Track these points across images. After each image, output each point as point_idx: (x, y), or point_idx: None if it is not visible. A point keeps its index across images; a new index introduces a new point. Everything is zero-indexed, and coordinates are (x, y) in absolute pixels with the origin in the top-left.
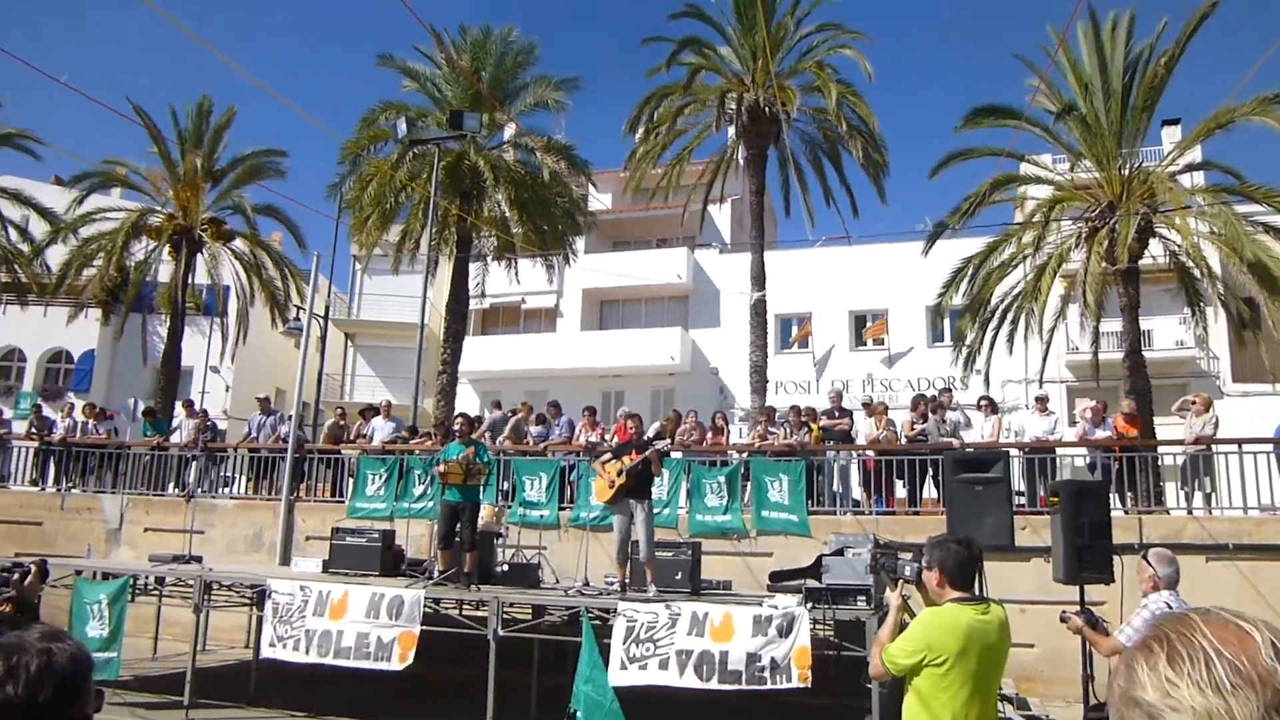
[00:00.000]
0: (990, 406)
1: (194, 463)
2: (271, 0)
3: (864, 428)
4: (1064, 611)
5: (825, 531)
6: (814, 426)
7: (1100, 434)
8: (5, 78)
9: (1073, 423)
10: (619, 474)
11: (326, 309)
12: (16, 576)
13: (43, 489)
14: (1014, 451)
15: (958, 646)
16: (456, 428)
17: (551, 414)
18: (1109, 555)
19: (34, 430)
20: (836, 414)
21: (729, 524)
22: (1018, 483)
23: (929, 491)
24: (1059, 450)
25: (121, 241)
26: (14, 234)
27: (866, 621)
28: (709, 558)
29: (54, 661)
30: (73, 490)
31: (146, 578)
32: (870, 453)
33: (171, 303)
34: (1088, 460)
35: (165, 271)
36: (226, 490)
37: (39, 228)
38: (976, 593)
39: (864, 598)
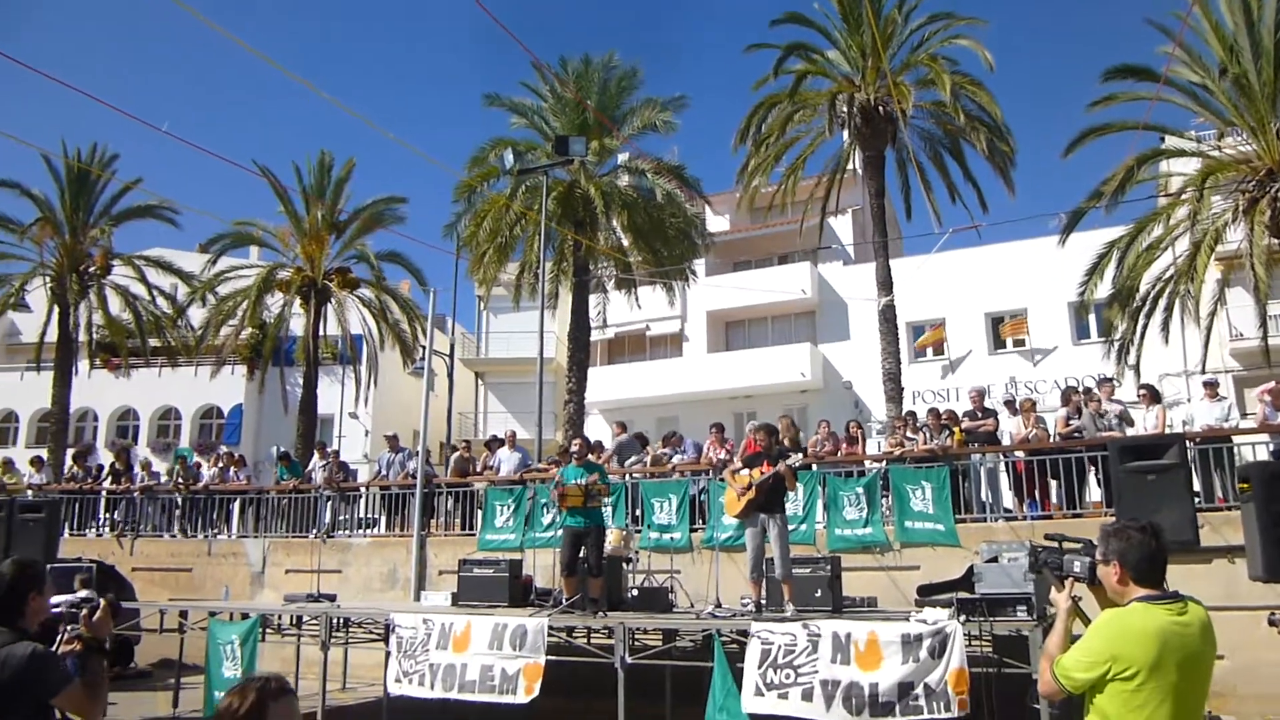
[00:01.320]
0: (1152, 396)
1: (328, 503)
2: (370, 50)
3: (1010, 428)
4: (1273, 614)
5: (975, 541)
6: (956, 430)
7: None
8: (138, 146)
9: (1244, 414)
10: (749, 486)
11: (451, 346)
12: (85, 612)
13: (190, 536)
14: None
15: (1151, 656)
16: (574, 449)
17: (673, 443)
18: None
19: (179, 480)
20: (979, 415)
21: (870, 537)
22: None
23: (1090, 494)
24: (1235, 439)
25: (254, 296)
26: (162, 302)
27: (1029, 634)
28: (850, 574)
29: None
30: (219, 537)
31: (280, 618)
32: (1020, 453)
33: (305, 352)
34: (1271, 448)
35: (300, 325)
36: (361, 530)
37: (185, 294)
38: (1168, 589)
39: (1024, 608)
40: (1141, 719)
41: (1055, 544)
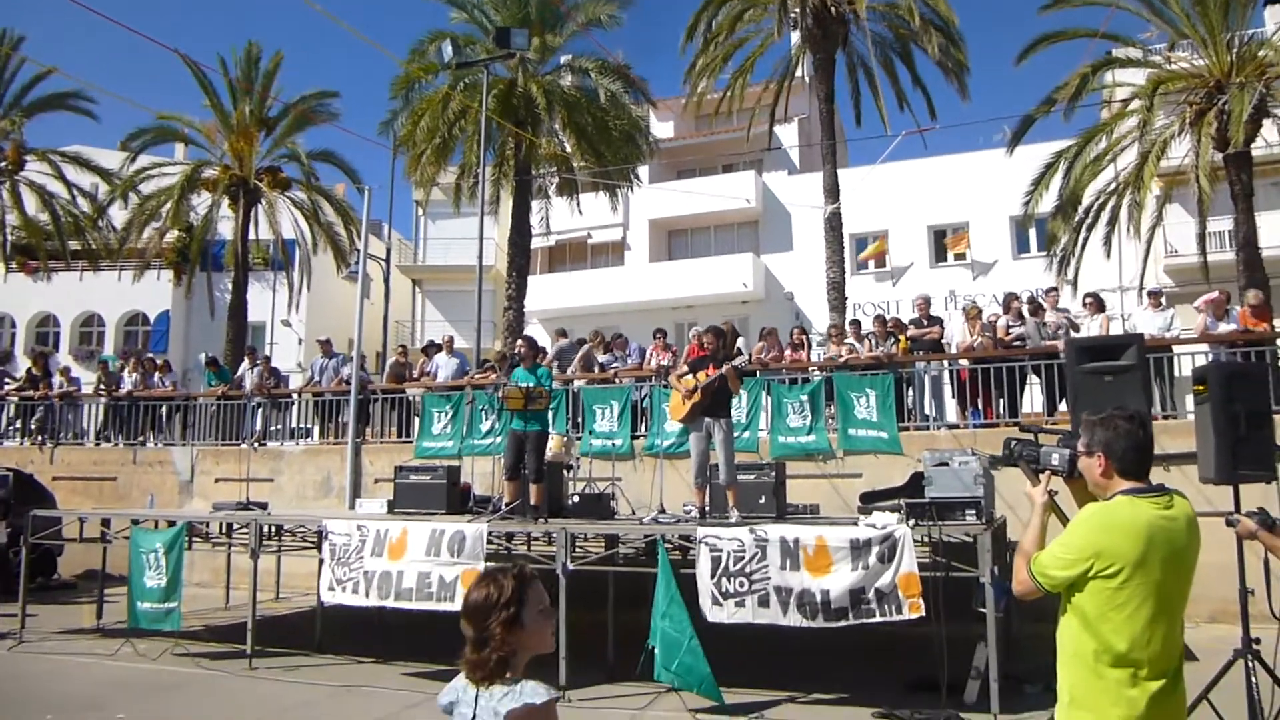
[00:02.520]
0: (1097, 304)
1: (259, 410)
2: None
3: (956, 336)
4: (1230, 515)
5: (918, 449)
6: (901, 338)
7: (1225, 328)
8: (48, 32)
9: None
10: (694, 390)
11: (388, 251)
12: None
13: (114, 444)
14: None
15: (1136, 552)
16: (519, 352)
17: (618, 345)
18: (1271, 449)
19: (102, 387)
20: (925, 322)
21: (814, 444)
22: None
23: (1032, 403)
24: (1176, 349)
25: (179, 195)
26: (83, 202)
27: (978, 538)
28: (794, 481)
29: None
30: (144, 445)
31: (209, 526)
32: (964, 362)
33: (234, 256)
34: (1210, 359)
35: (229, 228)
36: (293, 438)
37: (106, 193)
38: (1152, 483)
39: (974, 511)
40: (1122, 618)
41: (1031, 436)
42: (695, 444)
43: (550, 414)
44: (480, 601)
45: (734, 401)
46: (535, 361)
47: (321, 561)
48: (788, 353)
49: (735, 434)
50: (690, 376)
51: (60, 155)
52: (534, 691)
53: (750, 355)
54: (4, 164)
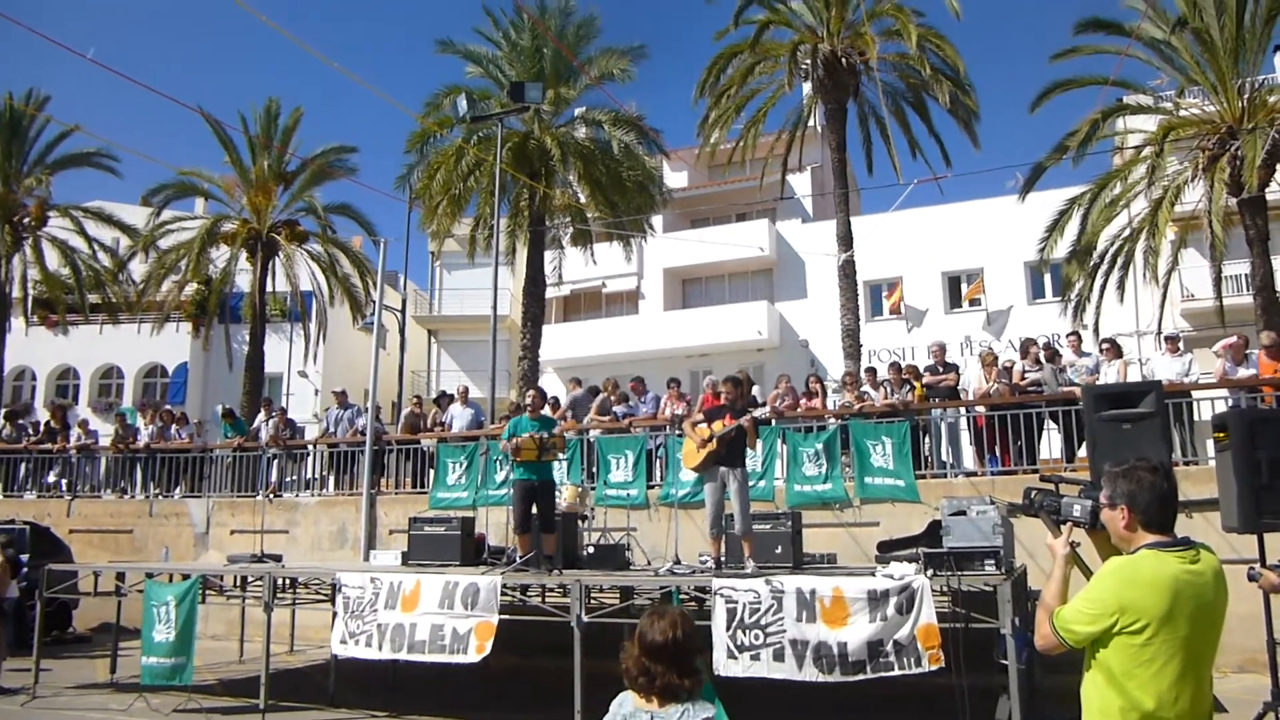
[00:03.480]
0: (1114, 350)
1: (274, 462)
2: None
3: (972, 382)
4: (1252, 569)
5: (935, 497)
6: (917, 385)
7: (1244, 373)
8: (71, 91)
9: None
10: (709, 439)
11: (404, 302)
12: None
13: (131, 496)
14: None
15: (1162, 607)
16: (528, 402)
17: (635, 390)
18: None
19: (119, 439)
20: (941, 369)
21: (830, 493)
22: None
23: (1050, 449)
24: (1195, 394)
25: (198, 249)
26: (103, 256)
27: (997, 588)
28: (810, 531)
29: None
30: (161, 497)
31: (223, 579)
32: (981, 408)
33: (252, 308)
34: (1230, 405)
35: (246, 280)
36: (308, 489)
37: (126, 247)
38: (1177, 536)
39: (993, 560)
40: (1149, 674)
41: (1052, 487)
42: (710, 494)
43: (564, 463)
44: (660, 644)
45: (749, 452)
46: (541, 411)
47: (335, 614)
48: (803, 400)
49: (750, 483)
50: (705, 425)
51: (82, 211)
52: (704, 708)
53: (767, 402)
54: (28, 219)
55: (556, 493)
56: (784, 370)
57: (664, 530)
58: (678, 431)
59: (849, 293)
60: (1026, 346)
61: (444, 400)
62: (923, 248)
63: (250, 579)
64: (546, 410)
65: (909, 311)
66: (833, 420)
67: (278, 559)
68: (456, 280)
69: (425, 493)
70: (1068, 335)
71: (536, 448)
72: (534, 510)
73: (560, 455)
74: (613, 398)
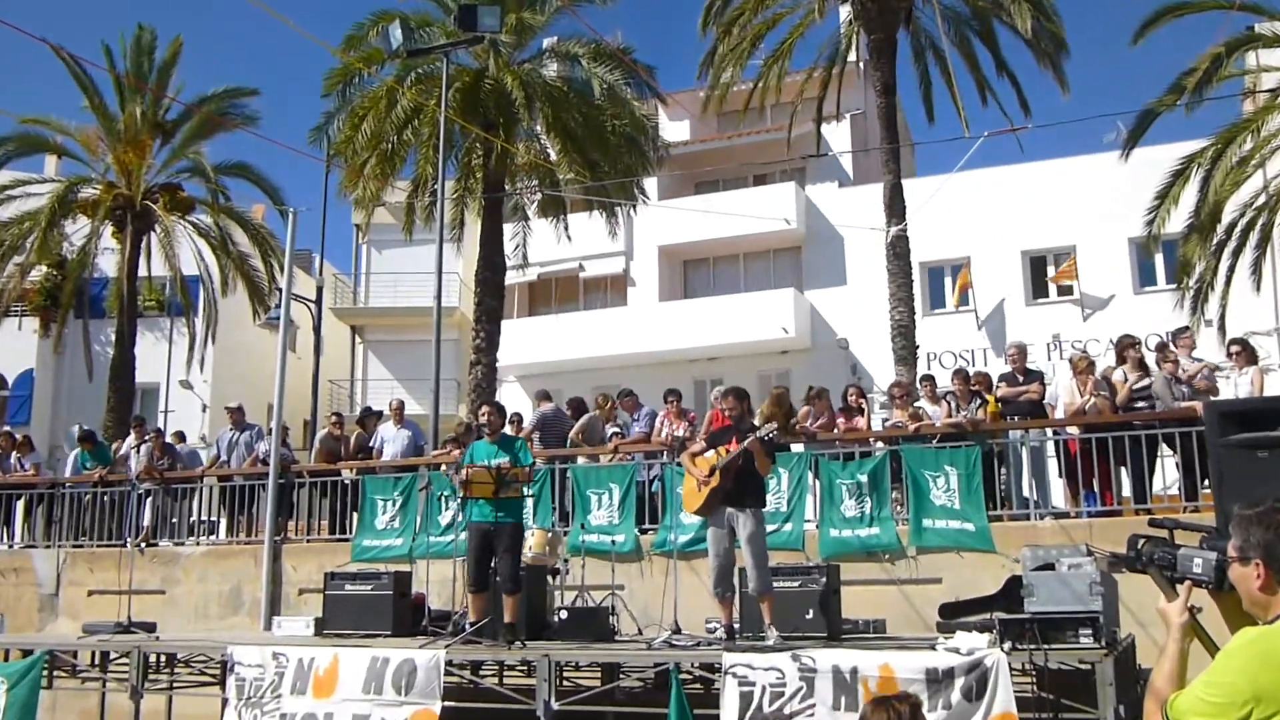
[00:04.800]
0: (1247, 354)
1: (148, 500)
2: None
3: (1064, 396)
4: None
5: (1015, 545)
6: (990, 398)
7: None
8: None
9: None
10: (712, 471)
11: (319, 291)
12: None
13: None
14: None
15: None
16: (484, 420)
17: (627, 406)
18: None
19: None
20: (1021, 378)
21: (876, 539)
22: None
23: (1162, 484)
24: None
25: (48, 221)
26: None
27: (1096, 665)
28: (851, 589)
29: None
30: None
31: (77, 655)
32: (1074, 429)
33: (119, 299)
34: None
35: (113, 263)
36: (193, 536)
37: None
38: None
39: (1090, 630)
40: None
41: (1165, 534)
42: (714, 542)
43: (530, 500)
44: None
45: (769, 484)
46: (503, 432)
47: (225, 701)
48: (840, 419)
49: (772, 527)
50: (709, 454)
51: None
52: None
53: (786, 422)
54: None
55: (523, 540)
56: (816, 379)
57: (660, 588)
58: (677, 460)
59: (901, 278)
60: (1126, 347)
61: (372, 419)
62: (997, 220)
63: (114, 655)
64: (509, 430)
65: (979, 302)
66: (880, 445)
67: (151, 628)
68: (389, 262)
69: (347, 540)
70: (1177, 334)
71: (493, 480)
72: (492, 563)
73: (526, 490)
74: (607, 421)
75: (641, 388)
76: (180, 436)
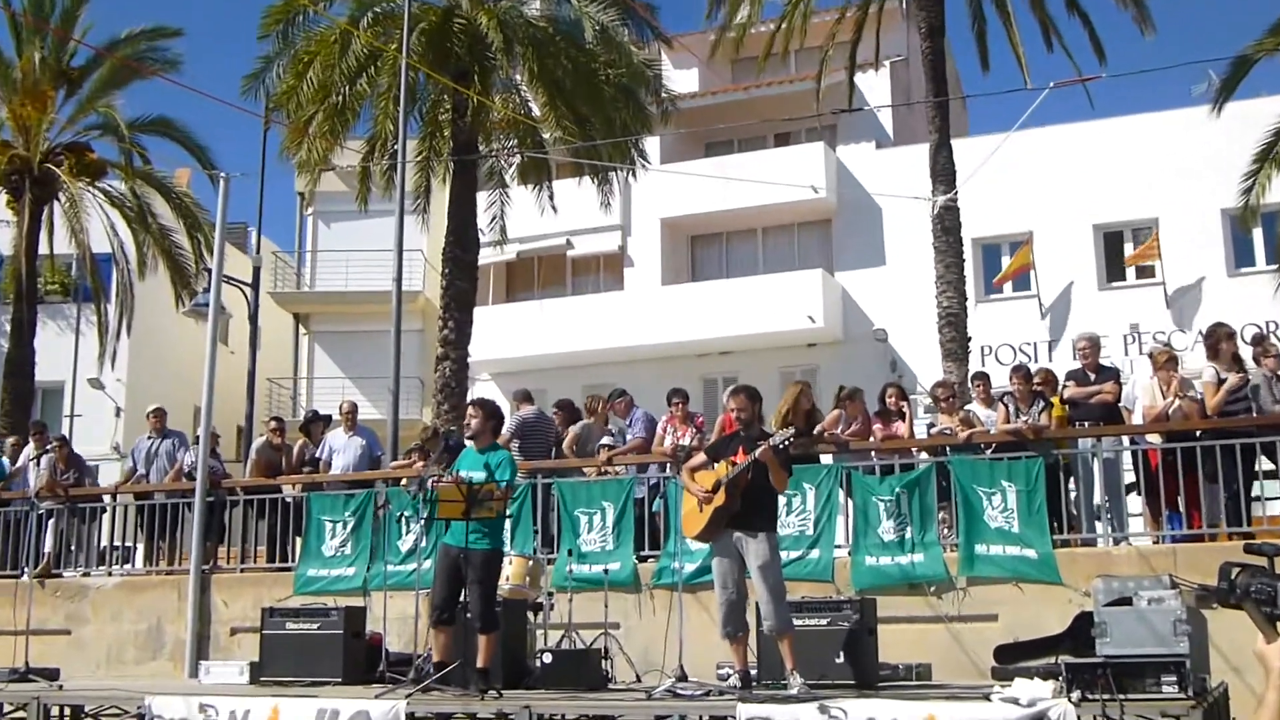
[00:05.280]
0: None
1: (50, 522)
2: None
3: (1144, 397)
4: None
5: (1085, 576)
6: (1055, 400)
7: None
8: None
9: None
10: (715, 488)
11: (257, 273)
12: None
13: None
14: None
15: None
16: (468, 423)
17: (619, 409)
18: None
19: None
20: (1092, 376)
21: (919, 568)
22: None
23: (1262, 504)
24: None
25: None
26: None
27: (1183, 718)
28: (890, 627)
29: None
30: None
31: None
32: (1155, 438)
33: (14, 279)
34: None
35: (7, 237)
36: (104, 565)
37: None
38: None
39: (1174, 677)
40: None
41: (1264, 562)
42: (721, 573)
43: (507, 522)
44: None
45: (789, 502)
46: (491, 440)
47: None
48: (877, 425)
49: (796, 553)
50: (711, 467)
51: None
52: None
53: (821, 429)
54: None
55: (500, 570)
56: (849, 377)
57: (662, 627)
58: (677, 474)
59: (950, 257)
60: (1218, 339)
61: (319, 425)
62: (1064, 188)
63: (7, 708)
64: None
65: (1043, 286)
66: (924, 456)
67: (53, 675)
68: (340, 238)
69: (289, 569)
70: None
71: (463, 497)
72: (462, 596)
73: (504, 510)
74: (600, 424)
75: (641, 387)
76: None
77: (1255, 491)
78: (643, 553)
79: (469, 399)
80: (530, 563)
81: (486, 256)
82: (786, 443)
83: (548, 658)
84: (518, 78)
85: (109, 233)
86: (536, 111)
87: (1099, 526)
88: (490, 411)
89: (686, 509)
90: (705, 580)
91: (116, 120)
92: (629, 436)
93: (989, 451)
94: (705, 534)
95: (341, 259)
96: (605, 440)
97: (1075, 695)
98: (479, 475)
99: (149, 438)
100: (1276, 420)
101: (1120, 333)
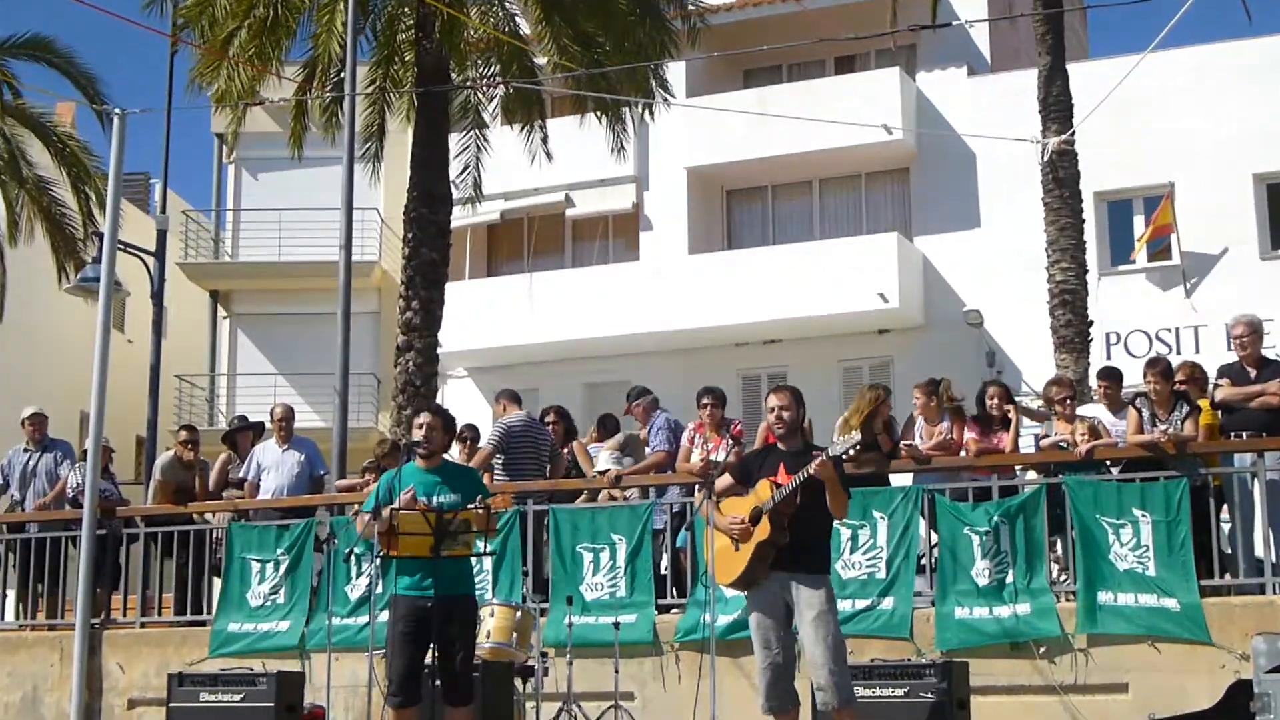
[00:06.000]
0: None
1: None
2: None
3: None
4: None
5: (1242, 632)
6: (1204, 404)
7: None
8: None
9: None
10: (754, 518)
11: (162, 237)
12: None
13: None
14: None
15: None
16: (419, 436)
17: (639, 414)
18: None
19: None
20: (1252, 373)
21: (1024, 623)
22: None
23: None
24: None
25: None
26: None
27: None
28: (987, 699)
29: None
30: None
31: None
32: None
33: None
34: None
35: None
36: None
37: None
38: None
39: None
40: None
41: None
42: (762, 629)
43: (485, 561)
44: None
45: (845, 534)
46: (452, 461)
47: None
48: (970, 435)
49: (863, 603)
50: (745, 491)
51: None
52: None
53: (899, 439)
54: None
55: (477, 623)
56: (932, 368)
57: (688, 698)
58: (703, 499)
59: (1066, 217)
60: None
61: (244, 435)
62: (1215, 128)
63: None
64: (455, 453)
65: (1187, 255)
66: (1031, 475)
67: None
68: (270, 193)
69: (204, 624)
70: None
71: (431, 528)
72: (429, 659)
73: (484, 546)
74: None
75: (663, 387)
76: None
77: None
78: (664, 601)
79: (432, 405)
80: (518, 614)
81: (461, 217)
82: (851, 452)
83: None
84: None
85: None
86: (526, 29)
87: (1262, 569)
88: (448, 423)
89: (718, 546)
90: (744, 637)
91: None
92: (648, 451)
93: (1117, 470)
94: (744, 579)
95: (272, 221)
96: (604, 457)
97: None
98: (445, 497)
99: (25, 450)
100: None
101: None
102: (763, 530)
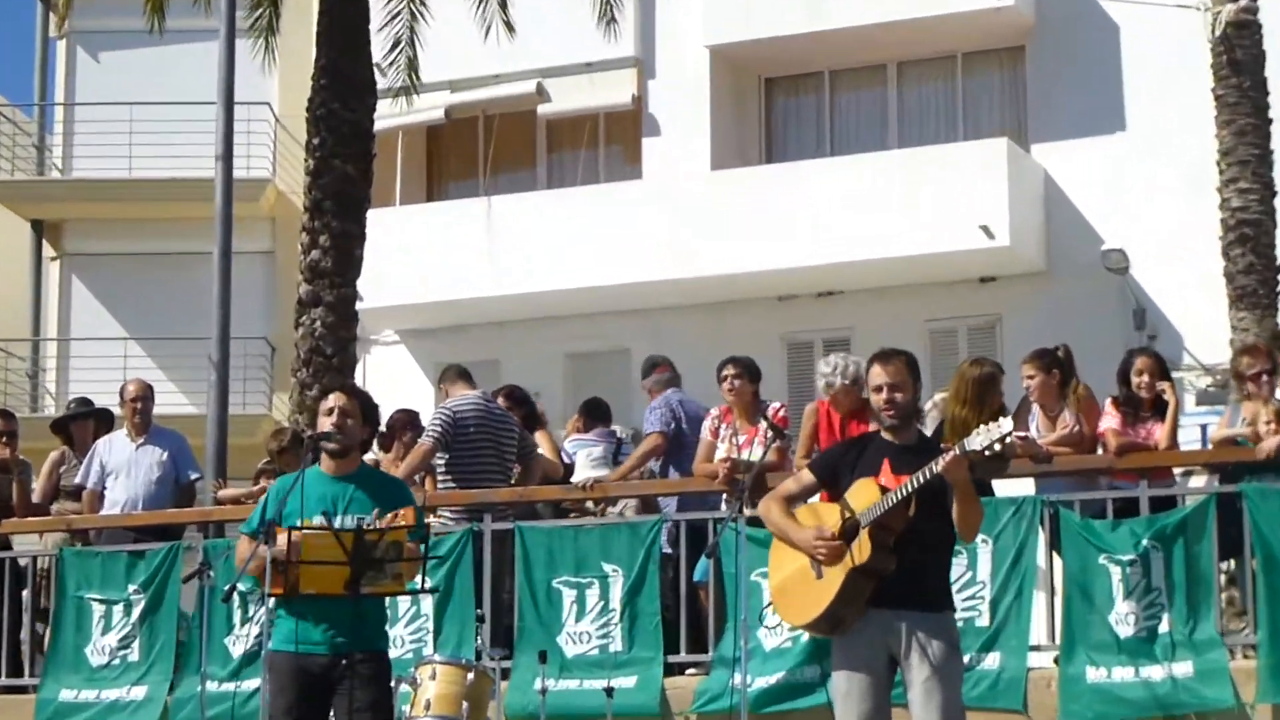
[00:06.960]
0: None
1: None
2: None
3: None
4: None
5: None
6: None
7: None
8: None
9: None
10: (846, 533)
11: None
12: None
13: None
14: None
15: None
16: (328, 427)
17: (652, 390)
18: None
19: None
20: None
21: (1184, 688)
22: None
23: None
24: None
25: None
26: None
27: None
28: None
29: None
30: None
31: None
32: None
33: None
34: None
35: None
36: None
37: None
38: None
39: None
40: None
41: None
42: (848, 695)
43: (427, 600)
44: None
45: (962, 555)
46: (369, 465)
47: None
48: (1109, 423)
49: (976, 655)
50: (833, 495)
51: None
52: None
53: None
54: None
55: (404, 688)
56: (1056, 333)
57: None
58: (738, 511)
59: (1247, 115)
60: None
61: (86, 424)
62: None
63: None
64: (375, 456)
65: None
66: (1194, 482)
67: None
68: (117, 82)
69: (24, 688)
70: None
71: (347, 555)
72: None
73: (422, 581)
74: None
75: (676, 354)
76: None
77: None
78: (676, 658)
79: (342, 387)
80: (469, 675)
81: (390, 116)
82: (996, 447)
83: None
84: None
85: None
86: None
87: None
88: (369, 408)
89: (783, 575)
90: (794, 708)
91: None
92: (660, 421)
93: None
94: (829, 619)
95: (122, 120)
96: (583, 459)
97: None
98: (363, 515)
99: None
100: None
101: None
102: (861, 551)
